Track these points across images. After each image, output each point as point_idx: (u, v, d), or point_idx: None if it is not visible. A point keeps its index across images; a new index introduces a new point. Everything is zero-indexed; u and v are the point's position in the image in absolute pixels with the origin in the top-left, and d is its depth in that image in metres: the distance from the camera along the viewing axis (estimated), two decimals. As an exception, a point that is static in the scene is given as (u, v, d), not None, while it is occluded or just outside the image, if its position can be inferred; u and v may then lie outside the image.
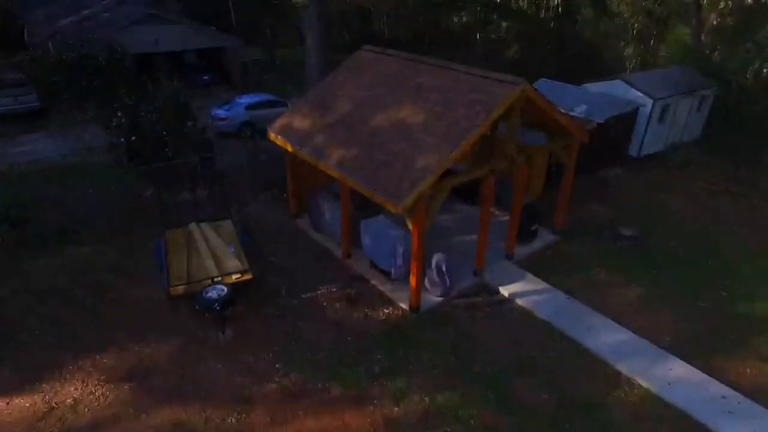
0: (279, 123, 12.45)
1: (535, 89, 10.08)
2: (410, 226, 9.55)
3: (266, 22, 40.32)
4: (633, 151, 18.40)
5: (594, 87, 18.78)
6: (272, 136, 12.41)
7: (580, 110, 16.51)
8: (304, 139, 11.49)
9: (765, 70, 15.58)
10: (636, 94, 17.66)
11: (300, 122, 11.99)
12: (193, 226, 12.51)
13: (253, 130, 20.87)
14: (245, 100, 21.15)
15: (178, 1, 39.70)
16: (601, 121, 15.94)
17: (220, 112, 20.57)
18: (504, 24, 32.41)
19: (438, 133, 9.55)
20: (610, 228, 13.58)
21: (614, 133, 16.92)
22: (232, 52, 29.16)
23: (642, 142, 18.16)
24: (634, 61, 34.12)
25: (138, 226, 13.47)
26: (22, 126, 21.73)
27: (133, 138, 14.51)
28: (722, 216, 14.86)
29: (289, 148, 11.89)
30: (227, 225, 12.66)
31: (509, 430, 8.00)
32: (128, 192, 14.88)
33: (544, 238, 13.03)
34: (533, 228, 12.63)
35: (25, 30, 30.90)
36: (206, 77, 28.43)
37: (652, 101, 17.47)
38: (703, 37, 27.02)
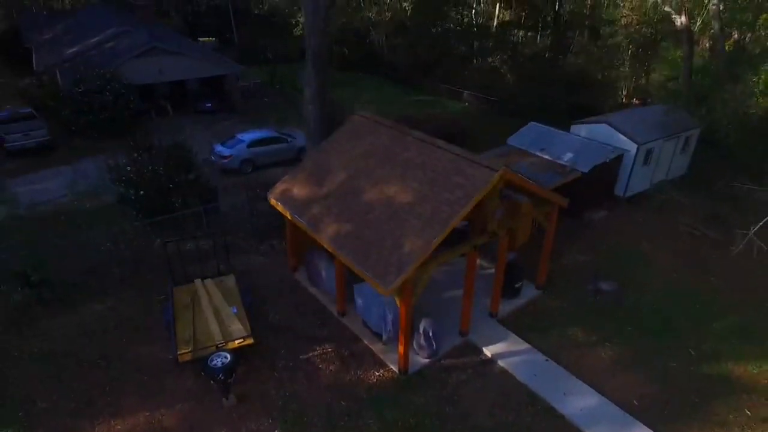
0: (279, 188, 13.27)
1: (513, 172, 10.87)
2: (398, 303, 10.39)
3: (266, 41, 41.10)
4: (619, 190, 19.16)
5: (581, 129, 19.55)
6: (272, 201, 13.23)
7: (566, 158, 17.27)
8: (301, 208, 12.32)
9: (752, 111, 16.24)
10: (621, 139, 18.40)
11: (298, 190, 12.81)
12: (198, 283, 13.41)
13: (254, 166, 21.76)
14: (247, 137, 21.95)
15: (183, 20, 40.50)
16: (585, 170, 16.70)
17: (223, 150, 21.37)
18: (498, 56, 33.19)
19: (424, 216, 10.36)
20: (590, 281, 14.39)
21: (600, 179, 17.69)
22: (232, 78, 29.95)
23: (627, 183, 18.91)
24: (626, 85, 34.85)
25: (146, 278, 14.36)
26: (32, 161, 22.57)
27: (141, 192, 15.34)
28: (699, 265, 15.64)
29: (288, 216, 12.73)
30: (230, 281, 13.54)
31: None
32: (137, 241, 15.73)
33: (527, 293, 13.87)
34: (517, 285, 13.46)
35: (33, 54, 31.65)
36: (208, 104, 29.23)
37: (636, 146, 18.21)
38: (693, 62, 27.72)
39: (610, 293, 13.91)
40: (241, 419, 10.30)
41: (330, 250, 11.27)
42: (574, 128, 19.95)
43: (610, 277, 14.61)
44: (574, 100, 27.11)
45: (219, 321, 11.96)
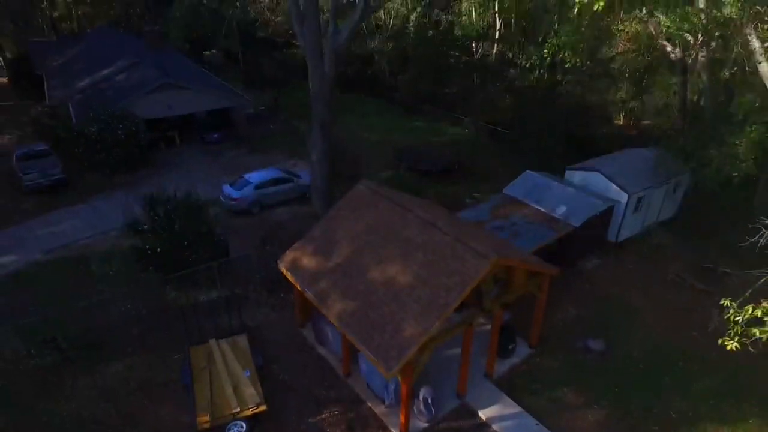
0: (289, 257, 14.19)
1: (505, 258, 11.76)
2: (399, 379, 11.32)
3: (271, 62, 41.87)
4: (611, 236, 20.02)
5: (575, 176, 20.39)
6: (283, 270, 14.15)
7: (560, 212, 18.12)
8: (309, 281, 13.24)
9: (735, 175, 16.85)
10: (613, 188, 19.24)
11: (307, 260, 13.72)
12: (212, 343, 14.36)
13: (261, 206, 22.66)
14: (254, 178, 22.80)
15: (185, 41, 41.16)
16: (578, 225, 17.56)
17: (232, 192, 22.25)
18: (497, 85, 34.00)
19: (423, 300, 11.26)
20: (580, 339, 15.29)
21: (592, 229, 18.55)
22: (238, 109, 30.78)
23: (619, 229, 19.77)
24: (624, 108, 35.61)
25: (163, 335, 15.31)
26: (48, 199, 23.47)
27: (159, 250, 16.25)
28: (684, 318, 16.53)
29: (297, 287, 13.65)
30: (243, 341, 14.49)
31: None
32: (153, 296, 16.65)
33: (521, 352, 14.79)
34: (510, 347, 14.38)
35: (45, 82, 32.47)
36: (216, 135, 30.08)
37: (627, 195, 19.05)
38: (688, 95, 28.42)
39: (598, 352, 14.81)
40: (256, 486, 11.26)
41: (336, 326, 12.18)
42: (568, 174, 20.79)
43: (600, 332, 15.52)
44: (570, 128, 27.79)
45: (234, 385, 12.91)
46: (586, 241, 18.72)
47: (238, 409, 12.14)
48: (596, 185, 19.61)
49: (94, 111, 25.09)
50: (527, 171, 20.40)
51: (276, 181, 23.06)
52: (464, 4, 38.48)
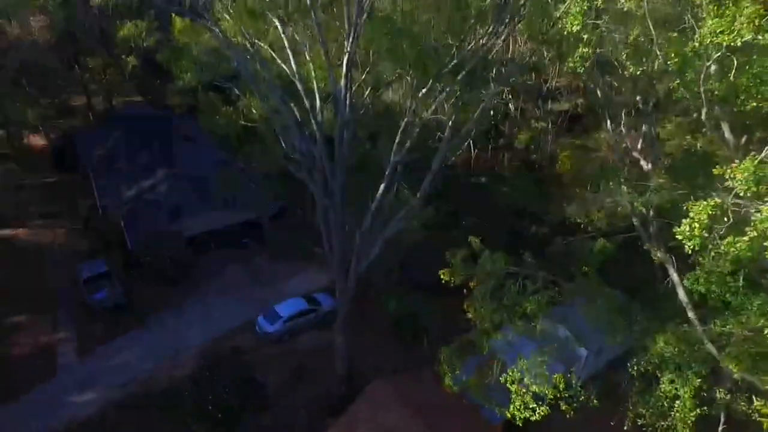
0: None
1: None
2: None
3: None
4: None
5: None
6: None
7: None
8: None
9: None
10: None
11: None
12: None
13: (290, 334, 27.39)
14: (284, 311, 27.41)
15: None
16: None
17: (267, 327, 26.95)
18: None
19: None
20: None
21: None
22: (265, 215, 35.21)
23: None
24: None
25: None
26: (110, 321, 27.83)
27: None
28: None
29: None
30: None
31: None
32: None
33: None
34: None
35: (92, 181, 36.56)
36: (245, 240, 34.52)
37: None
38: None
39: None
40: None
41: None
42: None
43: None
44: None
45: None
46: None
47: None
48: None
49: (148, 237, 29.57)
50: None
51: (302, 313, 27.75)
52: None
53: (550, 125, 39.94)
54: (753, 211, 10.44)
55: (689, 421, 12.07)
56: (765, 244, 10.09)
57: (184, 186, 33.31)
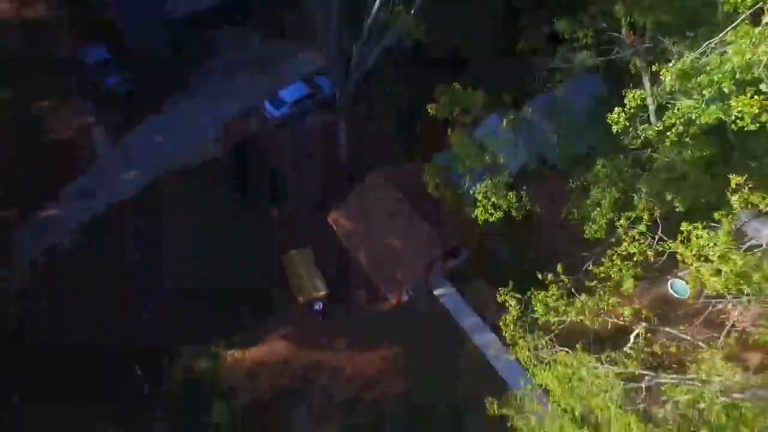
0: (333, 216, 24.28)
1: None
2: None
3: None
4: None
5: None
6: (330, 221, 24.38)
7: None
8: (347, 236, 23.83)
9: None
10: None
11: (343, 221, 23.99)
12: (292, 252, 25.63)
13: (294, 117, 30.62)
14: (287, 97, 29.96)
15: None
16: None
17: (273, 112, 29.89)
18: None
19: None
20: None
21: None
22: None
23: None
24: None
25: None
26: (128, 110, 29.72)
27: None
28: None
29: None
30: (310, 252, 25.66)
31: None
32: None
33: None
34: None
35: None
36: (237, 16, 34.34)
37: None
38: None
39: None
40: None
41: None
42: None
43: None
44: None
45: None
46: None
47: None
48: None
49: (144, 24, 29.75)
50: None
51: (305, 98, 30.35)
52: None
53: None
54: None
55: (603, 223, 16.60)
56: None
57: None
